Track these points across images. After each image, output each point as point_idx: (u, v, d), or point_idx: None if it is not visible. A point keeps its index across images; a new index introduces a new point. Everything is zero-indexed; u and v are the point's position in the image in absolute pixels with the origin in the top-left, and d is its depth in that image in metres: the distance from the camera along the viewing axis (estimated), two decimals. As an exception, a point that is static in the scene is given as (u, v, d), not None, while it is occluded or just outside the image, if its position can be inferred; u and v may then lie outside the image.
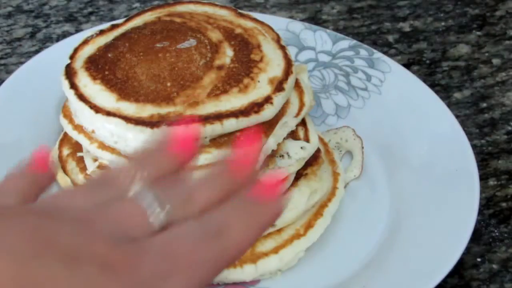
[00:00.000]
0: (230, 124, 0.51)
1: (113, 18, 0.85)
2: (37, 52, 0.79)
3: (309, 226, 0.58)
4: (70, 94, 0.54)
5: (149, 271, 0.28)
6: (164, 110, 0.51)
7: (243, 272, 0.55)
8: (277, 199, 0.32)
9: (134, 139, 0.50)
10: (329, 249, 0.59)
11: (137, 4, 0.89)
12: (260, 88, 0.53)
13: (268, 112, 0.53)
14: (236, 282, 0.55)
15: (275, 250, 0.56)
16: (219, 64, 0.54)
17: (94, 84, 0.53)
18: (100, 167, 0.54)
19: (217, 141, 0.52)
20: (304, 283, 0.56)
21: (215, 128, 0.51)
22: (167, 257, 0.29)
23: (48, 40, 0.82)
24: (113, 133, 0.51)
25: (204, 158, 0.51)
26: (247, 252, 0.55)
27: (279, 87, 0.54)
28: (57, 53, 0.66)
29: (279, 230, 0.57)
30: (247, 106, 0.52)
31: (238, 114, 0.51)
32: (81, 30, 0.82)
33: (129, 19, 0.61)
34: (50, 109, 0.64)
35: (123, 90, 0.52)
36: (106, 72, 0.54)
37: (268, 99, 0.53)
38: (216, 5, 0.62)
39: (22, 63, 0.73)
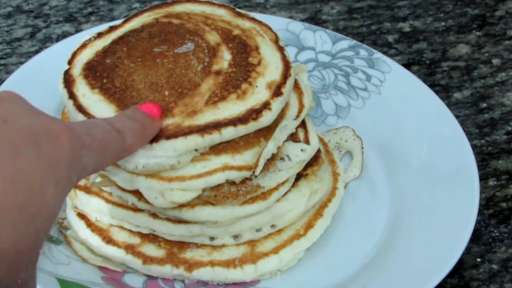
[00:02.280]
0: (229, 133, 0.51)
1: (113, 18, 0.85)
2: (37, 52, 0.79)
3: (309, 226, 0.58)
4: (69, 104, 0.53)
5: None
6: (162, 122, 0.51)
7: (243, 272, 0.55)
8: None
9: (133, 155, 0.50)
10: (329, 249, 0.59)
11: (137, 4, 0.89)
12: (258, 94, 0.53)
13: (266, 119, 0.52)
14: (236, 282, 0.55)
15: (275, 250, 0.56)
16: (217, 69, 0.54)
17: (92, 93, 0.53)
18: (101, 176, 0.54)
19: (216, 147, 0.52)
20: (304, 283, 0.56)
21: (214, 138, 0.50)
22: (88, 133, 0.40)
23: (48, 40, 0.82)
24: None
25: (203, 165, 0.51)
26: (247, 253, 0.55)
27: (277, 91, 0.54)
28: (57, 53, 0.67)
29: (279, 231, 0.57)
30: (245, 113, 0.52)
31: (236, 122, 0.51)
32: (81, 30, 0.82)
33: (127, 20, 0.61)
34: (50, 109, 0.64)
35: (122, 100, 0.52)
36: (104, 80, 0.53)
37: (266, 105, 0.52)
38: (214, 4, 0.62)
39: (22, 63, 0.73)
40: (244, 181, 0.53)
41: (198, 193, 0.51)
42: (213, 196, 0.52)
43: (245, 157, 0.52)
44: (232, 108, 0.51)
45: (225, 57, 0.55)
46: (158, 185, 0.50)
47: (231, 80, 0.53)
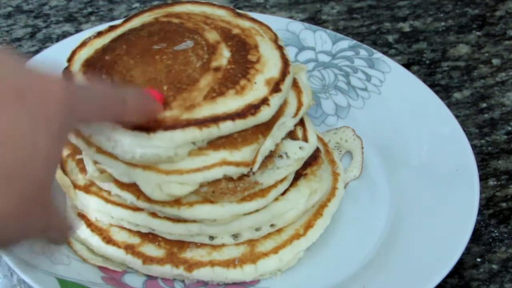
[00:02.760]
0: (227, 127, 0.51)
1: (113, 18, 0.85)
2: (37, 52, 0.79)
3: (308, 226, 0.58)
4: None
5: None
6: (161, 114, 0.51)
7: (243, 272, 0.55)
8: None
9: (131, 144, 0.50)
10: (329, 249, 0.59)
11: (136, 4, 0.89)
12: (256, 90, 0.53)
13: (264, 114, 0.52)
14: (236, 282, 0.55)
15: (275, 250, 0.56)
16: (215, 66, 0.54)
17: None
18: (100, 170, 0.54)
19: (214, 143, 0.52)
20: (304, 283, 0.56)
21: (212, 131, 0.50)
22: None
23: (48, 40, 0.82)
24: (110, 138, 0.51)
25: (201, 160, 0.51)
26: (247, 253, 0.55)
27: (276, 88, 0.54)
28: (57, 53, 0.66)
29: (279, 231, 0.57)
30: (243, 108, 0.52)
31: (234, 116, 0.51)
32: (81, 30, 0.82)
33: (127, 20, 0.61)
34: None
35: None
36: (103, 75, 0.54)
37: (264, 101, 0.53)
38: (214, 5, 0.62)
39: (22, 63, 0.72)
40: (241, 177, 0.53)
41: (196, 187, 0.51)
42: (210, 192, 0.52)
43: (243, 154, 0.52)
44: (230, 103, 0.52)
45: (224, 55, 0.55)
46: (155, 178, 0.51)
47: (230, 76, 0.53)
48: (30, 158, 0.34)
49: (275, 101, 0.53)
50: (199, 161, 0.51)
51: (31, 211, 0.35)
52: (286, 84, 0.55)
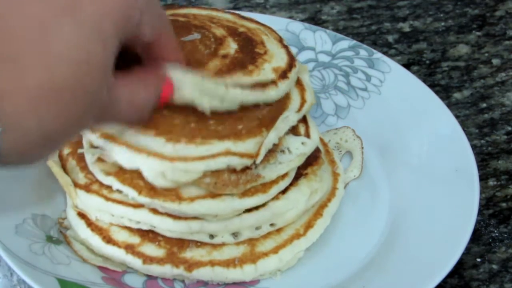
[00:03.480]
0: (235, 92, 0.51)
1: (113, 18, 0.85)
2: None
3: (308, 226, 0.58)
4: None
5: None
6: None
7: (243, 272, 0.55)
8: None
9: None
10: (329, 249, 0.59)
11: (137, 4, 0.89)
12: (264, 75, 0.54)
13: (272, 94, 0.53)
14: (236, 282, 0.55)
15: (275, 250, 0.56)
16: (223, 53, 0.55)
17: None
18: (100, 160, 0.54)
19: (219, 133, 0.52)
20: (304, 283, 0.56)
21: (219, 89, 0.50)
22: None
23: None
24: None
25: (206, 149, 0.51)
26: (247, 252, 0.55)
27: (283, 75, 0.54)
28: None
29: (279, 230, 0.57)
30: (252, 83, 0.52)
31: (243, 86, 0.52)
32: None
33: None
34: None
35: None
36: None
37: (273, 82, 0.53)
38: (219, 10, 0.63)
39: (22, 63, 0.72)
40: (244, 170, 0.53)
41: (199, 175, 0.51)
42: (213, 183, 0.52)
43: (247, 145, 0.52)
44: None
45: (231, 46, 0.56)
46: (159, 165, 0.50)
47: (238, 62, 0.54)
48: (84, 73, 0.34)
49: (283, 86, 0.54)
50: (203, 150, 0.51)
51: (84, 124, 0.36)
52: (293, 74, 0.55)
